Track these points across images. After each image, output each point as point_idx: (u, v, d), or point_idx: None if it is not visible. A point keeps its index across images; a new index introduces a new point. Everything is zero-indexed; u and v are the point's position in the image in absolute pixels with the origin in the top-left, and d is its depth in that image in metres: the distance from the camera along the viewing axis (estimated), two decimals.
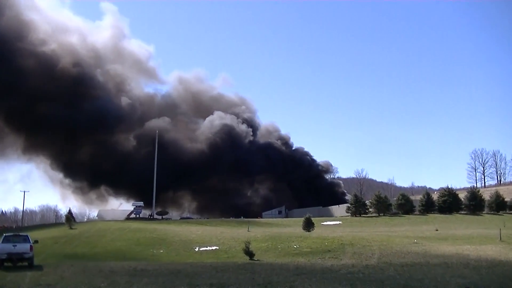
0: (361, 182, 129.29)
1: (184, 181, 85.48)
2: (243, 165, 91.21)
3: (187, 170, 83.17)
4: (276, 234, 37.04)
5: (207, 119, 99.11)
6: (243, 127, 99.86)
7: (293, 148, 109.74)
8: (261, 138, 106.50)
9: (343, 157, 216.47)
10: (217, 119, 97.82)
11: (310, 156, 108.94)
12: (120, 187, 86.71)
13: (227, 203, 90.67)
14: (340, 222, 61.73)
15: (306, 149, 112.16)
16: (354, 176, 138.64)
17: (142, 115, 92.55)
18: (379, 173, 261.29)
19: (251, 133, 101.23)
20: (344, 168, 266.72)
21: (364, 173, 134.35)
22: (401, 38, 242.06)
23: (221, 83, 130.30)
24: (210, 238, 36.25)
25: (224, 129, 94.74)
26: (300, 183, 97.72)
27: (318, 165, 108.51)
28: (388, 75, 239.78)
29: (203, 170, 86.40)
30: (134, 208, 75.39)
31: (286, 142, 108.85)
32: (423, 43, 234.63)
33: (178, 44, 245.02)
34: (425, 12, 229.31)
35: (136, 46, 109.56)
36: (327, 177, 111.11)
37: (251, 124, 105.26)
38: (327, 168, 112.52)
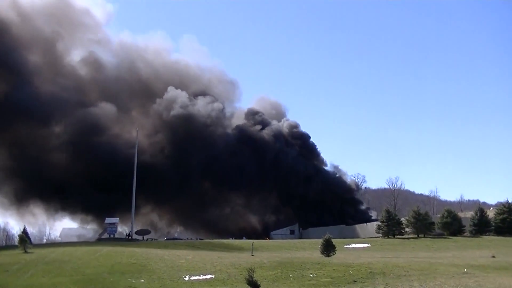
0: (395, 194, 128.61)
1: (146, 192, 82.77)
2: (229, 173, 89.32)
3: (146, 178, 78.92)
4: (287, 260, 36.97)
5: (165, 100, 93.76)
6: (216, 114, 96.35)
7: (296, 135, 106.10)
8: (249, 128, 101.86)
9: (373, 163, 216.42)
10: (178, 104, 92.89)
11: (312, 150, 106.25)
12: (59, 201, 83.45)
13: (221, 220, 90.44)
14: (369, 245, 61.63)
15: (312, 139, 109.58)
16: (386, 186, 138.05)
17: (81, 101, 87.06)
18: (418, 183, 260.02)
19: (228, 125, 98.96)
20: (373, 176, 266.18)
21: (399, 183, 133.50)
22: (445, 36, 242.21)
23: (189, 53, 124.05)
24: (204, 264, 36.21)
25: (190, 123, 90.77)
26: (299, 191, 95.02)
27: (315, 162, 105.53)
28: (436, 67, 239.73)
29: (169, 179, 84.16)
30: (106, 226, 75.40)
31: (278, 132, 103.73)
32: (468, 40, 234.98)
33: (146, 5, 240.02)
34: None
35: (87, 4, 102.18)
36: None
37: (225, 113, 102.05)
38: (336, 173, 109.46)
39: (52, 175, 79.07)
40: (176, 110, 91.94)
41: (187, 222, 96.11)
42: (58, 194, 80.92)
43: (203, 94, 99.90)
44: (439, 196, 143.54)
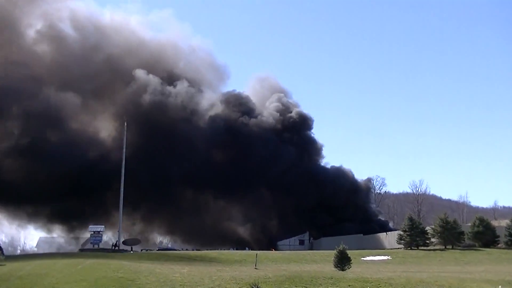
0: (419, 200, 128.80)
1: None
2: (213, 176, 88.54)
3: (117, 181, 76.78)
4: (296, 273, 36.84)
5: (134, 88, 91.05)
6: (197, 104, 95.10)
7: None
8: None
9: (394, 165, 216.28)
10: (149, 92, 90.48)
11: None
12: (18, 208, 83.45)
13: (213, 228, 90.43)
14: (389, 257, 61.93)
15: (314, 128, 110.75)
16: (409, 190, 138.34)
17: (38, 90, 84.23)
18: (446, 188, 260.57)
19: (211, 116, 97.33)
20: (394, 179, 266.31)
21: (423, 187, 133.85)
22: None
23: (169, 30, 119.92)
24: (201, 279, 36.00)
25: (164, 115, 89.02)
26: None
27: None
28: (475, 62, 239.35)
29: (143, 183, 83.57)
30: (90, 234, 75.09)
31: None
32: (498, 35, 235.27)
33: None
34: None
35: None
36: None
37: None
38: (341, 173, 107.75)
39: (7, 178, 77.97)
40: (147, 100, 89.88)
41: (171, 231, 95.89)
42: (16, 200, 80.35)
43: (183, 79, 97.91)
44: (469, 202, 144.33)
